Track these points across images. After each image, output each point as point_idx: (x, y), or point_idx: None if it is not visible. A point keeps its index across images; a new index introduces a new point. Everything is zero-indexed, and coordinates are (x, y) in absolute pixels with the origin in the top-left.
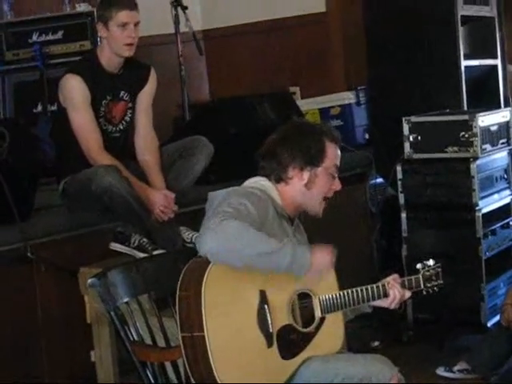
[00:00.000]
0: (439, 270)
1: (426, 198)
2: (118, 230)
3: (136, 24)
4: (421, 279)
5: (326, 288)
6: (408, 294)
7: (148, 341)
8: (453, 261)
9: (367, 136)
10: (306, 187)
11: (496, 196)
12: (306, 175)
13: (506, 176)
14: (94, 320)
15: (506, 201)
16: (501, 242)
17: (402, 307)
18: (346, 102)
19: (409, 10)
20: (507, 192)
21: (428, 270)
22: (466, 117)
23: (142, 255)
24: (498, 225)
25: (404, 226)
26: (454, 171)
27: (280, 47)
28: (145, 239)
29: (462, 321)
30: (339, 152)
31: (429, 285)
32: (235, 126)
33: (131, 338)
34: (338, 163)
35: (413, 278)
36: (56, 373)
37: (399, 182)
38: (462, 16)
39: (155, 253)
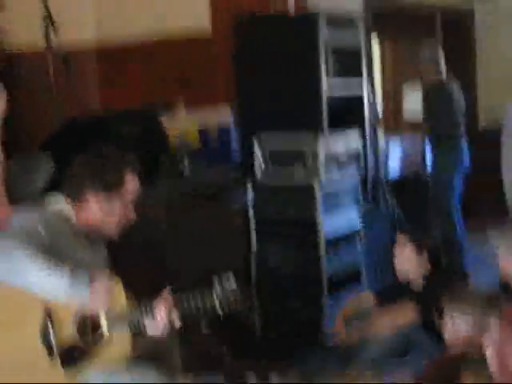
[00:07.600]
0: (237, 294)
1: (273, 215)
2: None
3: None
4: (215, 298)
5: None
6: (177, 322)
7: None
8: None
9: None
10: (101, 211)
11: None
12: (101, 200)
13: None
14: None
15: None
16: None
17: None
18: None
19: None
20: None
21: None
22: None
23: None
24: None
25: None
26: (299, 190)
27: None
28: None
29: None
30: (137, 183)
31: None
32: None
33: None
34: (135, 194)
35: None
36: None
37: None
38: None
39: None
